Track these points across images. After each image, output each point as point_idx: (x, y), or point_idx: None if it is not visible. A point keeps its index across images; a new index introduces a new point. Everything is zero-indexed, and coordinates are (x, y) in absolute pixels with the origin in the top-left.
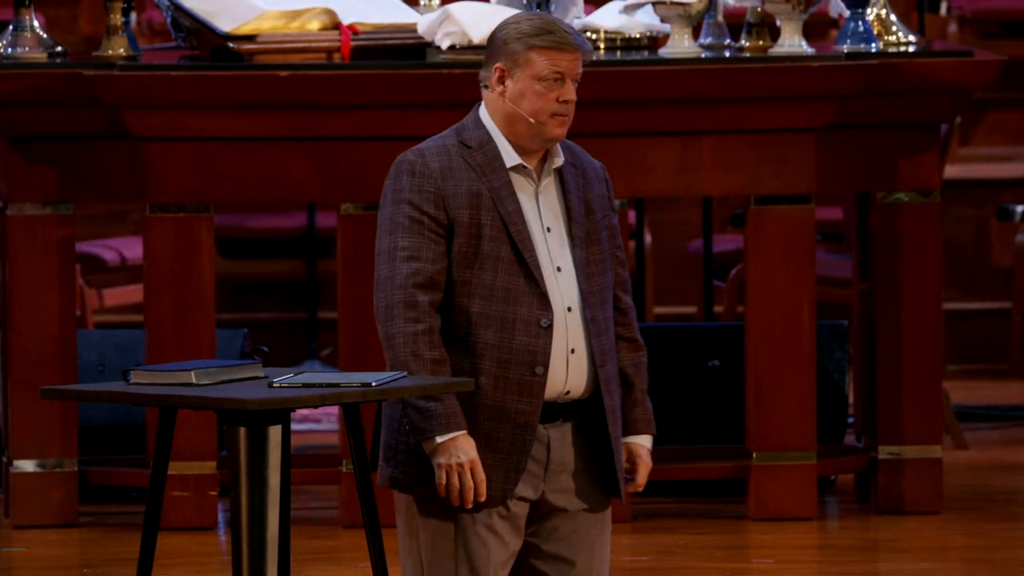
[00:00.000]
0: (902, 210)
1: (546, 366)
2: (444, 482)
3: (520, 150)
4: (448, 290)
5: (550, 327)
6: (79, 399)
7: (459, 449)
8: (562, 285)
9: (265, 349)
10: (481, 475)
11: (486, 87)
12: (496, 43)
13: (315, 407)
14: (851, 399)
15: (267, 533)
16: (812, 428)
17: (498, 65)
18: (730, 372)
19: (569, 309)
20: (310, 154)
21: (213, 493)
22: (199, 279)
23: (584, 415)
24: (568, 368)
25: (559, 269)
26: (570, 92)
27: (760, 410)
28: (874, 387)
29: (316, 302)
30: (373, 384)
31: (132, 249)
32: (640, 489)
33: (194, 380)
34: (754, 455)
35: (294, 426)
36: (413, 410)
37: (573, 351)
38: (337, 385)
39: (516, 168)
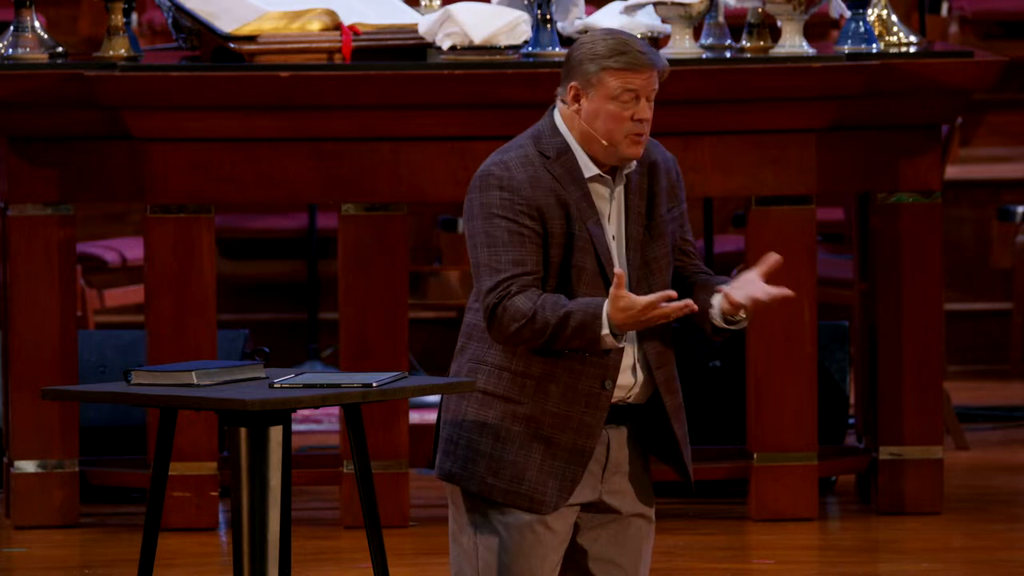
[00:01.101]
0: (903, 211)
1: (615, 380)
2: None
3: (596, 161)
4: None
5: (622, 346)
6: (80, 400)
7: (615, 312)
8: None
9: (266, 350)
10: (643, 299)
11: (563, 102)
12: (572, 62)
13: (316, 408)
14: (852, 400)
15: (268, 534)
16: (813, 429)
17: (573, 84)
18: (731, 373)
19: None
20: (311, 155)
21: (214, 494)
22: (200, 280)
23: (643, 418)
24: (635, 375)
25: (629, 276)
26: (645, 111)
27: (761, 411)
28: (875, 388)
29: (317, 303)
30: (374, 385)
31: (133, 250)
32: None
33: (195, 381)
34: (755, 456)
35: (295, 427)
36: (571, 334)
37: (638, 359)
38: (338, 386)
39: (593, 178)
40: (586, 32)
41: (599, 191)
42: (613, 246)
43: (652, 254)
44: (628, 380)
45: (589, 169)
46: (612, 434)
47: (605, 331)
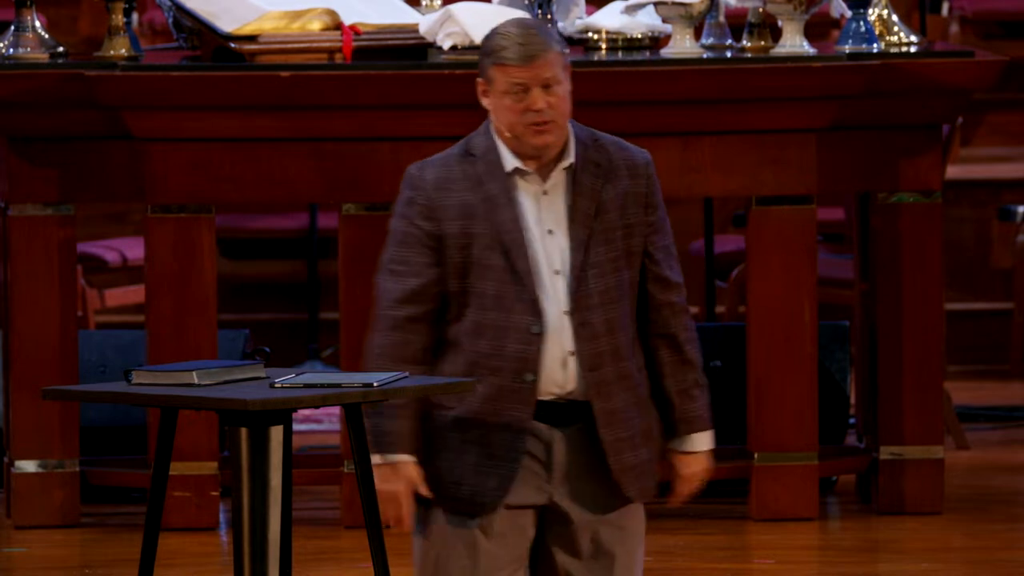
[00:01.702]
0: (903, 211)
1: (536, 373)
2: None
3: (521, 155)
4: (446, 301)
5: (540, 334)
6: (80, 399)
7: (392, 474)
8: (559, 289)
9: (267, 349)
10: (404, 506)
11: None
12: (479, 57)
13: (317, 407)
14: (852, 400)
15: (268, 534)
16: (813, 429)
17: (479, 80)
18: (732, 372)
19: (566, 313)
20: (311, 155)
21: (214, 494)
22: (200, 280)
23: (591, 418)
24: (567, 371)
25: (557, 272)
26: (537, 101)
27: (761, 410)
28: (875, 388)
29: (317, 303)
30: (375, 384)
31: (133, 250)
32: (678, 502)
33: (195, 380)
34: (755, 455)
35: (296, 426)
36: (371, 420)
37: (573, 354)
38: (338, 385)
39: (518, 172)
40: (586, 31)
41: (526, 187)
42: (540, 242)
43: (596, 258)
44: (560, 376)
45: (510, 163)
46: (555, 434)
47: (377, 459)
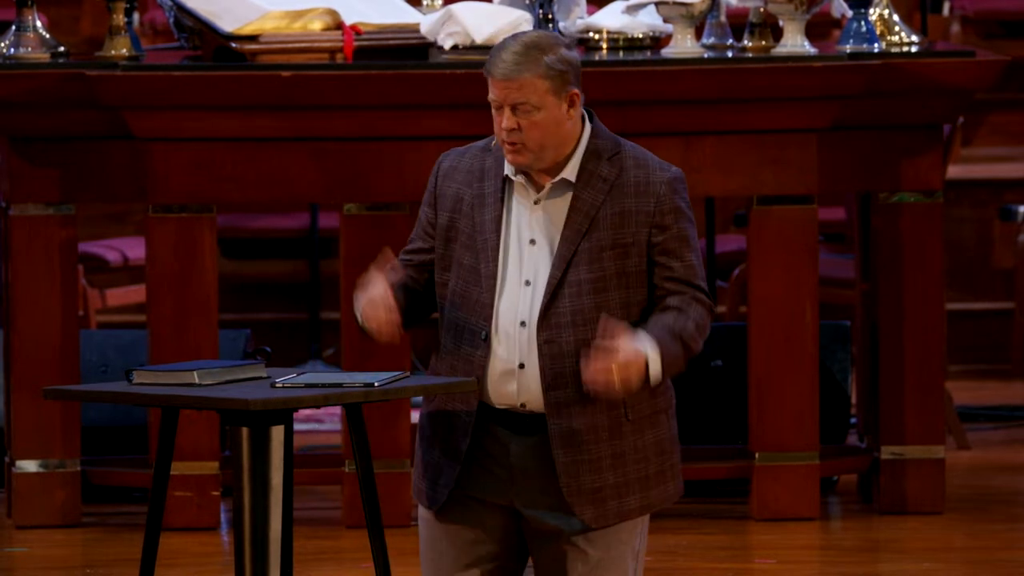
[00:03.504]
0: (904, 210)
1: (481, 378)
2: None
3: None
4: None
5: (487, 340)
6: (81, 399)
7: (362, 291)
8: (523, 299)
9: (268, 349)
10: (381, 306)
11: None
12: None
13: (318, 407)
14: (853, 399)
15: (270, 533)
16: (815, 428)
17: None
18: (733, 372)
19: (523, 324)
20: (312, 154)
21: (215, 493)
22: (201, 279)
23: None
24: (517, 382)
25: (528, 284)
26: (506, 120)
27: (763, 410)
28: (876, 387)
29: (318, 302)
30: (376, 384)
31: (134, 249)
32: (593, 382)
33: (196, 380)
34: (757, 455)
35: (297, 426)
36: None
37: (522, 366)
38: (340, 385)
39: (518, 178)
40: (587, 31)
41: (521, 193)
42: (518, 250)
43: (575, 277)
44: (508, 386)
45: (508, 168)
46: (517, 441)
47: (359, 317)
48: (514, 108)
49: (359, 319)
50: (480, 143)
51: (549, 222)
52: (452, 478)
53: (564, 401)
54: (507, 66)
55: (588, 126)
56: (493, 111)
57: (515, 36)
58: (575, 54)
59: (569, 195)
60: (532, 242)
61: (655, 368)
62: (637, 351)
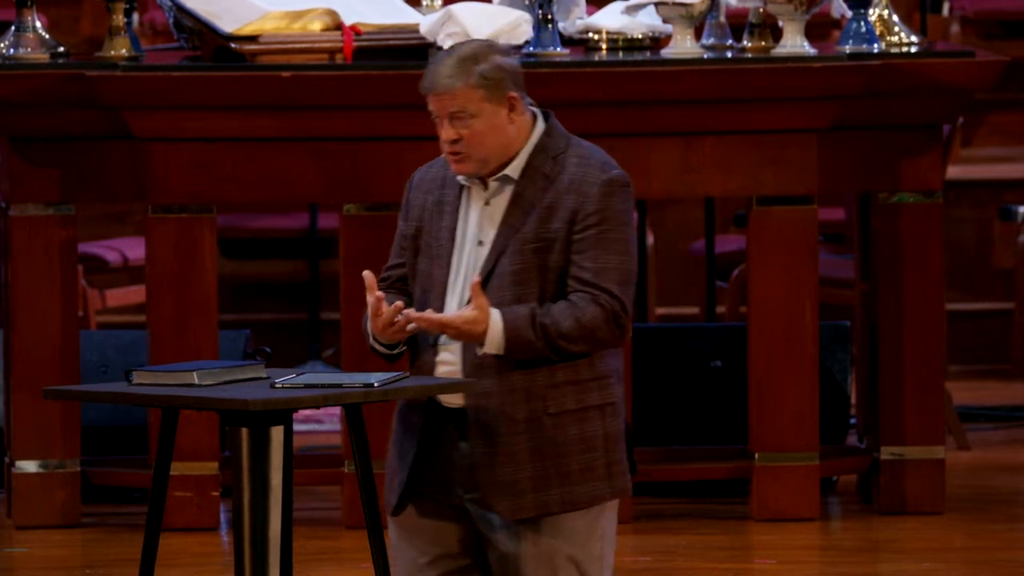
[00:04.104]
0: (904, 211)
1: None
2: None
3: None
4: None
5: (435, 344)
6: (81, 399)
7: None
8: (467, 299)
9: (267, 350)
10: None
11: None
12: None
13: (317, 408)
14: (853, 400)
15: (269, 534)
16: (814, 429)
17: None
18: (732, 373)
19: None
20: (312, 155)
21: (215, 494)
22: (201, 280)
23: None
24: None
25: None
26: (445, 130)
27: (762, 411)
28: (876, 388)
29: (318, 303)
30: (375, 384)
31: (134, 250)
32: (419, 323)
33: (196, 381)
34: (756, 456)
35: (296, 427)
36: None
37: (461, 366)
38: (339, 386)
39: (471, 181)
40: (587, 32)
41: (476, 197)
42: (470, 253)
43: (501, 270)
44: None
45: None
46: (461, 440)
47: (369, 340)
48: (452, 118)
49: (375, 341)
50: None
51: (495, 220)
52: (402, 481)
53: (482, 393)
54: (440, 79)
55: (542, 125)
56: (436, 124)
57: (450, 50)
58: (511, 61)
59: (508, 191)
60: (480, 243)
61: (492, 338)
62: (486, 320)
